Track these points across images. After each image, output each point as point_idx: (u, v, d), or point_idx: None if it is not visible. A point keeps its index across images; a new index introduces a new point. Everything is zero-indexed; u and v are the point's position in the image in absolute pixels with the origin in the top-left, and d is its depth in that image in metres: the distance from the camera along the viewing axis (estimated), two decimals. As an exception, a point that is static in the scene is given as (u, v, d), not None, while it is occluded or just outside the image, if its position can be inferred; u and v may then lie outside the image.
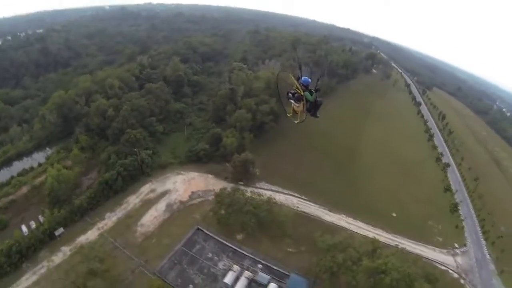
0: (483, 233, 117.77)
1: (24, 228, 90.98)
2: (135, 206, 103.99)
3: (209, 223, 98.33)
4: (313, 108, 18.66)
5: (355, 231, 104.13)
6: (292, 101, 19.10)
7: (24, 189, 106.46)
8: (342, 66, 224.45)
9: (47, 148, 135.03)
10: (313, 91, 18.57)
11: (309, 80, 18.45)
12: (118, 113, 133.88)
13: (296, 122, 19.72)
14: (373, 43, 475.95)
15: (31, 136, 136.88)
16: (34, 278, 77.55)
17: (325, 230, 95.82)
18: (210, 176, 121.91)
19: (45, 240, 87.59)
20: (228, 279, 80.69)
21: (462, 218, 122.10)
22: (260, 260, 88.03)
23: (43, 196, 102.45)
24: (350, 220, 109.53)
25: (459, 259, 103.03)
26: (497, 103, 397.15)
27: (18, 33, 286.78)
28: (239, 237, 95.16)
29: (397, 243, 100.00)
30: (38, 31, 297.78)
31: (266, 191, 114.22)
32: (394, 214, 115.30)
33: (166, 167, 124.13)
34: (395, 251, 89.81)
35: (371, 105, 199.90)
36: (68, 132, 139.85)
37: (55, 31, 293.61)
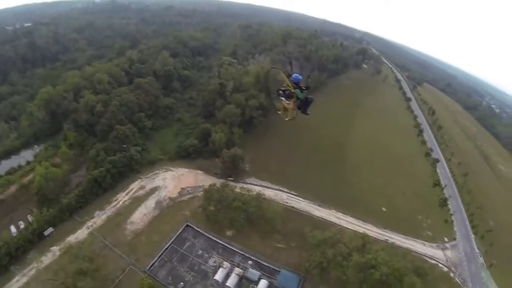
0: (472, 227, 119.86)
1: (13, 229, 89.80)
2: (124, 204, 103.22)
3: (198, 220, 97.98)
4: (303, 105, 18.48)
5: (345, 226, 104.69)
6: (283, 98, 18.87)
7: (12, 189, 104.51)
8: (333, 61, 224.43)
9: (35, 146, 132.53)
10: (303, 88, 18.32)
11: (300, 77, 18.30)
12: (106, 108, 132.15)
13: (286, 119, 19.50)
14: (364, 38, 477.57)
15: (19, 134, 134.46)
16: (24, 279, 76.64)
17: (315, 225, 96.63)
18: (199, 172, 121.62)
19: (34, 241, 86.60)
20: (219, 276, 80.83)
21: (451, 212, 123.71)
22: (251, 256, 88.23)
23: (31, 195, 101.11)
24: (340, 215, 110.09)
25: (448, 253, 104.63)
26: (486, 99, 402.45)
27: (6, 27, 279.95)
28: (229, 233, 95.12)
29: (387, 238, 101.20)
30: (26, 24, 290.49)
31: (256, 187, 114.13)
32: (384, 209, 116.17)
33: (155, 164, 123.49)
34: (385, 246, 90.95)
35: (361, 100, 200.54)
36: (57, 128, 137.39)
37: (43, 24, 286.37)
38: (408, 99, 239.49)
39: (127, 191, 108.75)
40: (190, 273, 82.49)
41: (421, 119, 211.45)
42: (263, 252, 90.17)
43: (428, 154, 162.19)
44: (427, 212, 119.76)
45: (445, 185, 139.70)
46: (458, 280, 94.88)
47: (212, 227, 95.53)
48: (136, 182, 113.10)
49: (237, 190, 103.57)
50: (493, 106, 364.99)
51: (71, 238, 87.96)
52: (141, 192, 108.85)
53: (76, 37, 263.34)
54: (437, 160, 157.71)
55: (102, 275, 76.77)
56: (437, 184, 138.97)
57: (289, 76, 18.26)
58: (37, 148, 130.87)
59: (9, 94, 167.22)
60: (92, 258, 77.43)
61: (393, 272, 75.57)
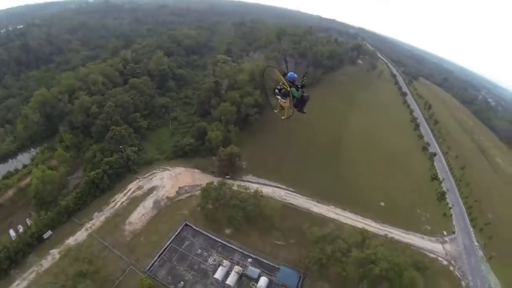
0: (471, 220, 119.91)
1: (12, 233, 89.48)
2: (122, 204, 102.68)
3: (197, 219, 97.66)
4: (300, 103, 18.46)
5: (344, 222, 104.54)
6: (279, 97, 18.93)
7: (10, 192, 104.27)
8: (328, 57, 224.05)
9: (32, 149, 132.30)
10: (299, 86, 18.30)
11: (295, 75, 18.29)
12: (102, 109, 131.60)
13: (283, 118, 19.52)
14: (359, 34, 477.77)
15: (15, 137, 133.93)
16: (24, 283, 76.28)
17: (313, 221, 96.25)
18: (196, 170, 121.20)
19: (33, 244, 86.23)
20: (219, 274, 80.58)
21: (450, 206, 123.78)
22: (250, 254, 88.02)
23: (29, 199, 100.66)
24: (338, 211, 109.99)
25: (447, 246, 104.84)
26: (482, 93, 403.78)
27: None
28: (228, 231, 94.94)
29: (386, 233, 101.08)
30: (19, 26, 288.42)
31: (253, 184, 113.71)
32: (382, 204, 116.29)
33: (152, 163, 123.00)
34: (384, 241, 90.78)
35: (357, 95, 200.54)
36: (52, 131, 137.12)
37: (35, 25, 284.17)
38: (404, 94, 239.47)
39: (124, 191, 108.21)
40: (190, 272, 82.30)
41: (417, 113, 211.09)
42: (263, 250, 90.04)
43: (425, 148, 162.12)
44: (426, 206, 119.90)
45: (443, 179, 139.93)
46: (457, 274, 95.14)
47: (210, 225, 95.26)
48: (134, 183, 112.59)
49: (235, 188, 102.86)
50: (489, 99, 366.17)
51: (70, 241, 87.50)
52: (138, 192, 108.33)
53: (69, 37, 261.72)
54: (434, 154, 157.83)
55: (102, 277, 76.59)
56: (434, 178, 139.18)
57: (284, 74, 18.22)
58: (33, 151, 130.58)
59: (4, 97, 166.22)
60: (91, 260, 77.31)
61: (392, 267, 75.70)
